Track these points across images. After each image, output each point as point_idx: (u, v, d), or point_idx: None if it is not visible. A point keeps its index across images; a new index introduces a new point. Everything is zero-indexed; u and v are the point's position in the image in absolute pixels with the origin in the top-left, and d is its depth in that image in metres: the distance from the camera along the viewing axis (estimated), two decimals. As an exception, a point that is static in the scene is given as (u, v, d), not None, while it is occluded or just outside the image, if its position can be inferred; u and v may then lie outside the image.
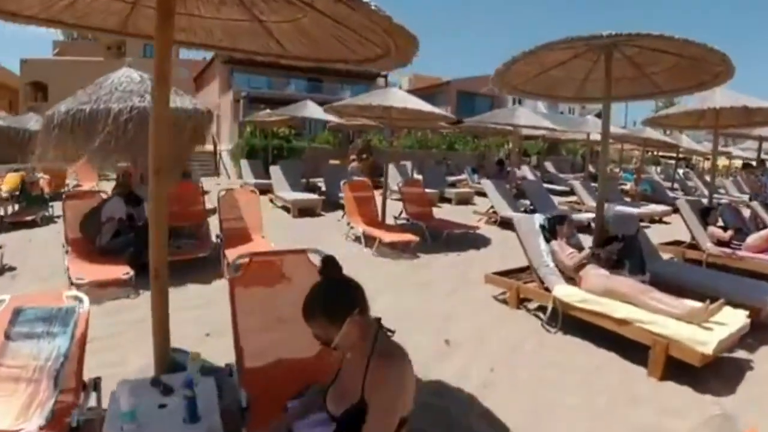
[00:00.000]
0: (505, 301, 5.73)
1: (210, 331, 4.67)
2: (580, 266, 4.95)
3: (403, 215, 9.82)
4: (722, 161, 37.68)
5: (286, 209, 11.87)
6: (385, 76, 37.52)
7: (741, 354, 4.56)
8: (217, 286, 6.27)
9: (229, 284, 3.33)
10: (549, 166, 23.98)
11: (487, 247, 8.95)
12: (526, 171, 19.63)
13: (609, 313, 4.41)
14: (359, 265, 7.47)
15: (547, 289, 5.07)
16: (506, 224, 10.69)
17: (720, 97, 7.55)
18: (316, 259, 3.67)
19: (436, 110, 8.73)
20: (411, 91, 38.76)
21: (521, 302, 5.56)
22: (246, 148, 20.78)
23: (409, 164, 16.48)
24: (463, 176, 18.50)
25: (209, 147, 26.61)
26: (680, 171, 25.89)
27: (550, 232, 5.46)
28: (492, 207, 11.31)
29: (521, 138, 30.08)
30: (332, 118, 13.84)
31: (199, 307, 5.42)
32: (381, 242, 7.87)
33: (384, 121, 9.64)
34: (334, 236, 9.38)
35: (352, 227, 8.97)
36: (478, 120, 11.70)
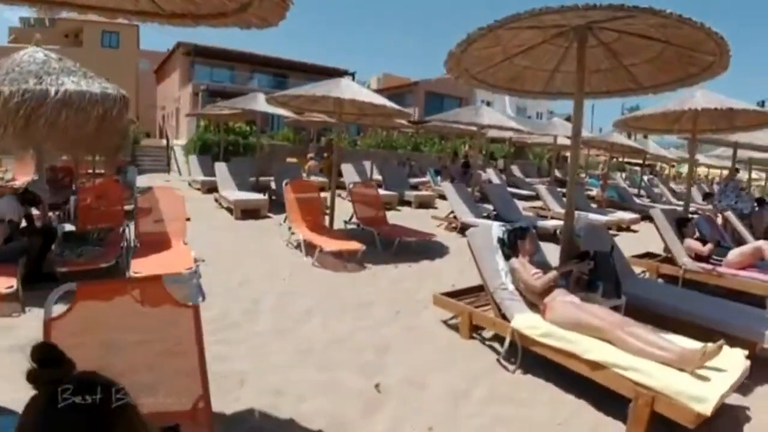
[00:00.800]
0: (456, 328, 4.80)
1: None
2: (546, 290, 4.04)
3: (354, 220, 8.84)
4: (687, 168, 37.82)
5: (230, 210, 10.79)
6: (353, 74, 36.50)
7: (734, 399, 3.70)
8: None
9: (44, 328, 2.30)
10: (515, 170, 23.31)
11: (443, 258, 8.03)
12: (491, 174, 18.84)
13: (579, 353, 3.50)
14: (295, 277, 6.49)
15: (505, 317, 4.15)
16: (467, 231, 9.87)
17: (701, 98, 6.78)
18: (180, 291, 2.73)
19: (389, 103, 7.77)
20: (378, 91, 37.86)
21: (474, 330, 4.62)
22: (198, 144, 19.56)
23: (368, 164, 15.50)
24: (426, 178, 17.64)
25: (162, 142, 25.39)
26: (645, 178, 25.55)
27: (510, 247, 4.53)
28: (452, 212, 10.42)
29: (486, 139, 29.67)
30: (284, 113, 12.80)
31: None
32: (322, 251, 6.87)
33: (334, 116, 8.67)
34: (273, 242, 8.35)
35: (293, 233, 7.95)
36: (441, 118, 10.80)
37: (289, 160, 17.81)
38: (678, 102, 7.02)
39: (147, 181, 17.55)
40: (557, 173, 25.71)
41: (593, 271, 4.45)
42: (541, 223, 10.16)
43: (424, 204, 13.45)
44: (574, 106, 4.84)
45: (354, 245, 7.05)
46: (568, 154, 32.93)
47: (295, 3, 2.65)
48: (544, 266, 4.53)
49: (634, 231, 12.88)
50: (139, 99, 40.90)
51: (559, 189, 14.21)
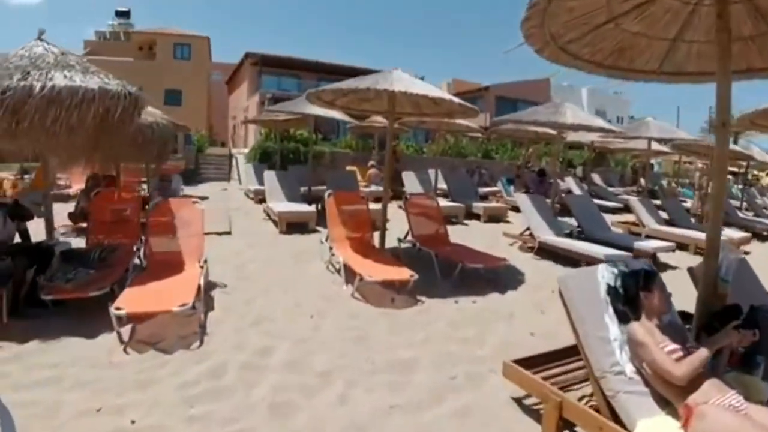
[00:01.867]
0: (535, 412, 3.21)
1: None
2: (691, 381, 2.40)
3: (410, 237, 7.37)
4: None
5: (276, 223, 9.60)
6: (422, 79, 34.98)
7: None
8: (99, 348, 4.15)
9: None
10: (596, 178, 21.03)
11: (518, 290, 6.38)
12: (571, 183, 16.83)
13: None
14: (325, 315, 5.09)
15: (619, 419, 2.54)
16: (547, 252, 8.19)
17: None
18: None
19: (448, 97, 6.21)
20: None
21: (564, 427, 3.01)
22: (259, 152, 18.73)
23: (432, 172, 13.97)
24: (496, 188, 15.91)
25: (227, 150, 24.98)
26: (740, 188, 22.55)
27: (628, 302, 2.87)
28: (528, 228, 8.73)
29: (566, 143, 27.42)
30: (338, 115, 11.50)
31: (46, 384, 3.43)
32: (362, 279, 5.43)
33: (388, 116, 7.25)
34: (312, 263, 7.01)
35: (333, 253, 6.57)
36: (515, 118, 9.11)
37: (349, 168, 16.56)
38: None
39: (206, 190, 16.94)
40: (642, 181, 23.27)
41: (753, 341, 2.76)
42: (638, 243, 8.29)
43: (495, 217, 11.77)
44: (717, 92, 3.18)
45: (403, 274, 5.58)
46: (655, 160, 30.19)
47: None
48: (681, 335, 2.85)
49: (746, 252, 10.67)
50: (212, 109, 41.40)
51: (653, 201, 12.17)
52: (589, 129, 9.59)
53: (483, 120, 27.80)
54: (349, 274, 5.90)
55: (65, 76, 5.12)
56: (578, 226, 9.35)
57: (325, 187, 11.56)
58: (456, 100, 6.16)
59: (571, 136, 16.37)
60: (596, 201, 15.28)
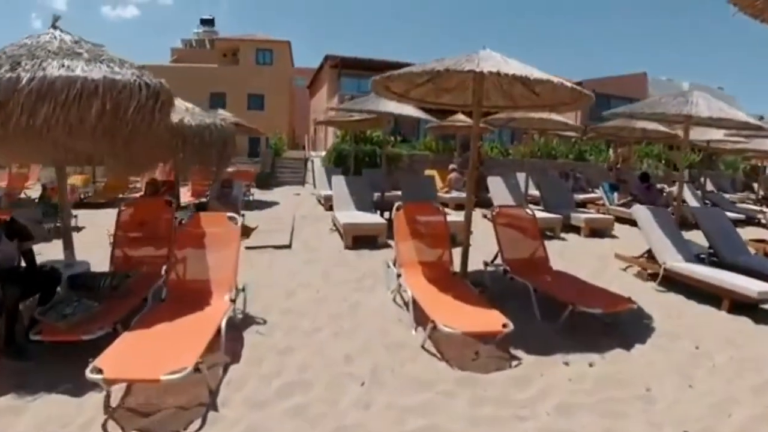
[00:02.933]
0: None
1: None
2: None
3: (499, 261, 5.82)
4: None
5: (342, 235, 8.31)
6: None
7: None
8: (80, 413, 3.24)
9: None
10: (708, 183, 18.23)
11: (648, 343, 4.63)
12: (685, 191, 14.47)
13: None
14: (381, 378, 3.67)
15: None
16: (674, 282, 6.37)
17: None
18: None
19: (554, 78, 4.53)
20: None
21: None
22: (334, 155, 17.65)
23: (522, 176, 12.22)
24: (596, 194, 13.87)
25: (306, 153, 24.18)
26: None
27: None
28: (649, 251, 6.90)
29: (662, 145, 24.35)
30: (415, 112, 10.05)
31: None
32: (436, 328, 3.95)
33: (472, 110, 5.73)
34: (375, 292, 5.63)
35: (401, 283, 5.13)
36: (630, 110, 7.22)
37: (428, 172, 15.09)
38: None
39: (279, 194, 16.05)
40: (756, 187, 20.16)
41: None
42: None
43: (598, 231, 9.87)
44: None
45: (492, 322, 4.03)
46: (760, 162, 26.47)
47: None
48: None
49: None
50: (295, 113, 41.19)
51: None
52: (728, 125, 7.58)
53: (574, 119, 25.43)
54: (420, 314, 4.45)
55: (63, 66, 4.04)
56: (710, 248, 7.40)
57: (400, 193, 10.21)
58: (567, 83, 4.53)
59: (695, 134, 14.09)
60: (716, 211, 12.99)
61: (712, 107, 6.62)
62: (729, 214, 12.76)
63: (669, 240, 6.76)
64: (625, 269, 7.29)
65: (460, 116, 15.29)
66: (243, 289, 4.76)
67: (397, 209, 5.60)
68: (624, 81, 34.36)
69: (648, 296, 6.14)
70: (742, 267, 6.76)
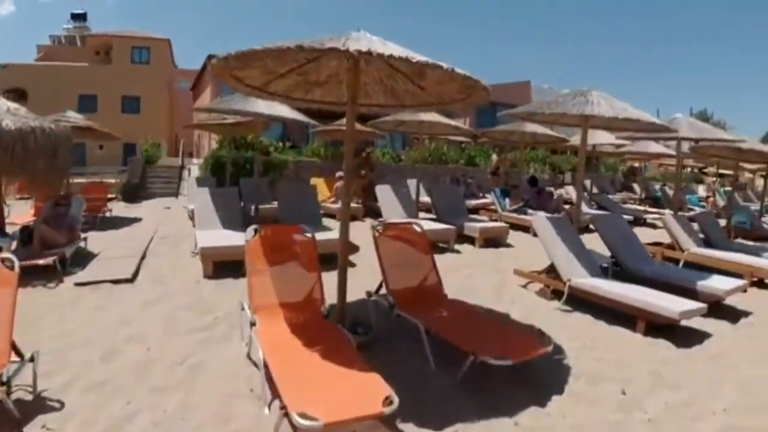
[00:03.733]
0: None
1: None
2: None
3: (384, 291, 4.72)
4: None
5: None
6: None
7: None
8: None
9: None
10: (588, 185, 18.49)
11: (566, 391, 3.72)
12: (572, 193, 14.37)
13: None
14: None
15: None
16: (580, 301, 5.65)
17: None
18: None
19: (443, 64, 3.43)
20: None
21: None
22: (210, 162, 15.89)
23: (413, 183, 11.34)
24: (487, 199, 13.31)
25: (178, 161, 21.96)
26: (723, 190, 20.42)
27: None
28: (552, 267, 6.13)
29: (543, 149, 24.85)
30: (297, 116, 8.82)
31: None
32: (286, 414, 2.73)
33: (347, 107, 4.60)
34: (230, 345, 4.30)
35: (254, 334, 3.86)
36: (526, 112, 6.41)
37: (313, 180, 13.86)
38: None
39: (146, 209, 13.93)
40: (636, 188, 20.94)
41: None
42: (703, 284, 5.81)
43: (493, 241, 9.15)
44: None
45: (370, 402, 2.84)
46: (642, 164, 27.88)
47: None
48: None
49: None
50: (177, 118, 38.27)
51: (681, 213, 9.68)
52: (629, 127, 7.00)
53: (463, 124, 25.25)
54: (272, 385, 3.21)
55: None
56: (612, 257, 6.82)
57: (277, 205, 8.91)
58: (460, 70, 3.49)
59: (573, 140, 13.96)
60: (596, 212, 12.87)
61: (615, 107, 5.96)
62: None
63: (572, 253, 6.04)
64: (525, 286, 6.49)
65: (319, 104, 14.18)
66: (31, 359, 3.29)
67: (255, 232, 4.33)
68: (509, 89, 35.09)
69: (554, 319, 5.36)
70: (648, 277, 6.22)
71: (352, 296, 4.88)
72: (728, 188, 22.13)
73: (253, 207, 9.07)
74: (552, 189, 15.08)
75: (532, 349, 3.60)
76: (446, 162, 20.89)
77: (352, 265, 6.91)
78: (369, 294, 4.86)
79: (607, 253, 6.91)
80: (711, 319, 5.35)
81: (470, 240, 9.11)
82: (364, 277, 5.35)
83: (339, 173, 12.86)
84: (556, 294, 5.89)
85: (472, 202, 13.41)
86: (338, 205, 11.56)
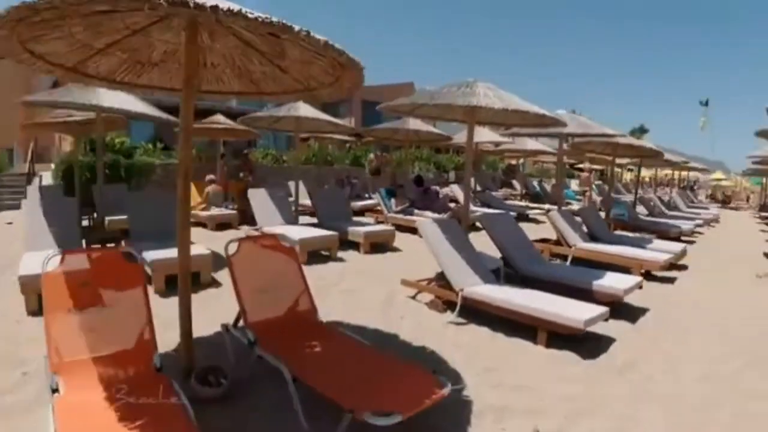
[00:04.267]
0: None
1: None
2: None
3: (243, 324, 3.75)
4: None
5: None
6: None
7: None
8: None
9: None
10: (475, 184, 18.55)
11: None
12: (457, 192, 14.12)
13: None
14: None
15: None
16: (474, 311, 5.04)
17: None
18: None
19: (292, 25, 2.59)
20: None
21: None
22: (62, 167, 13.82)
23: (291, 185, 10.39)
24: (373, 200, 12.65)
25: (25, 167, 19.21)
26: (597, 184, 21.64)
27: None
28: (442, 275, 5.47)
29: (433, 146, 24.88)
30: (148, 111, 7.54)
31: None
32: None
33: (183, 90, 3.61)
34: (25, 428, 3.13)
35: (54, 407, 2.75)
36: (410, 104, 5.71)
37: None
38: None
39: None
40: (516, 185, 21.44)
41: None
42: (600, 283, 5.45)
43: (380, 246, 8.43)
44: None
45: None
46: (520, 161, 28.86)
47: None
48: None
49: (683, 267, 8.39)
50: (39, 118, 33.95)
51: (563, 208, 9.55)
52: (515, 122, 6.53)
53: (350, 125, 24.55)
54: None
55: None
56: (502, 258, 6.33)
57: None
58: (318, 36, 2.61)
59: (457, 138, 13.71)
60: (488, 210, 12.68)
61: (504, 98, 5.41)
62: (498, 211, 12.59)
63: (463, 259, 5.42)
64: (414, 296, 5.80)
65: (220, 117, 12.90)
66: None
67: (61, 261, 3.18)
68: (393, 90, 34.94)
69: (449, 336, 4.70)
70: (541, 279, 5.79)
71: (209, 328, 3.90)
72: (599, 182, 23.45)
73: (91, 218, 7.62)
74: (438, 188, 14.78)
75: (427, 394, 2.82)
76: (332, 162, 20.07)
77: (217, 284, 5.87)
78: (225, 327, 3.88)
79: (496, 253, 6.44)
80: (611, 320, 4.94)
81: (356, 246, 8.33)
82: (231, 301, 4.34)
83: (209, 177, 11.57)
84: (450, 305, 5.25)
85: (358, 204, 12.71)
86: (210, 212, 10.33)
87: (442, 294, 5.33)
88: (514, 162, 25.90)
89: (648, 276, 7.24)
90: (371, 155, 17.80)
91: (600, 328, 4.78)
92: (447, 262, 5.27)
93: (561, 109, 8.57)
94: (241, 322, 3.74)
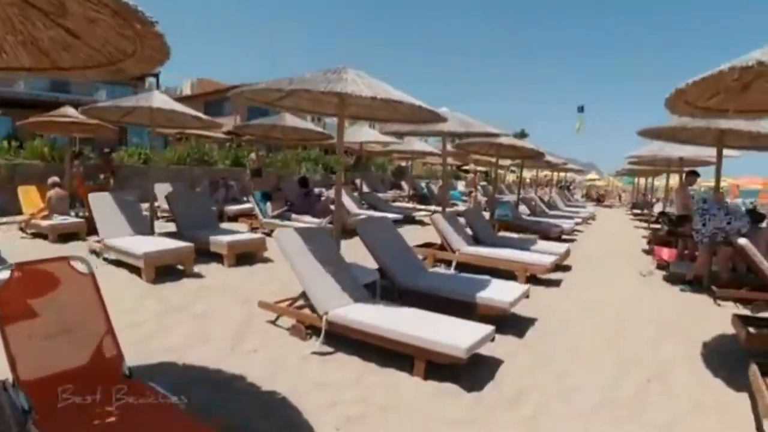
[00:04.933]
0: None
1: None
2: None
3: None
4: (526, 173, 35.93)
5: None
6: (157, 76, 28.88)
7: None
8: None
9: None
10: (363, 184, 17.77)
11: None
12: (343, 194, 13.29)
13: None
14: None
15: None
16: (343, 338, 4.21)
17: None
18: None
19: None
20: (193, 97, 30.42)
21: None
22: None
23: (160, 188, 9.04)
24: (250, 204, 11.49)
25: None
26: (482, 185, 21.99)
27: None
28: (302, 296, 4.58)
29: (322, 146, 23.98)
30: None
31: None
32: None
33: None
34: None
35: None
36: (271, 87, 4.70)
37: (23, 189, 10.48)
38: None
39: None
40: (404, 185, 21.14)
41: None
42: (485, 297, 4.84)
43: (248, 256, 7.37)
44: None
45: None
46: (409, 162, 28.73)
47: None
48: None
49: (566, 268, 8.19)
50: None
51: (445, 209, 9.05)
52: (384, 116, 5.79)
53: (235, 123, 22.95)
54: None
55: None
56: (379, 269, 5.57)
57: None
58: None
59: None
60: (373, 213, 12.02)
61: (374, 86, 4.62)
62: (388, 215, 11.95)
63: (330, 276, 4.57)
64: (275, 321, 4.86)
65: (69, 109, 11.11)
66: None
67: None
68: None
69: (310, 372, 3.86)
70: (422, 292, 5.11)
71: None
72: (484, 183, 23.76)
73: None
74: (323, 190, 13.87)
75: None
76: (209, 163, 18.46)
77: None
78: (2, 385, 2.74)
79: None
80: (498, 335, 4.31)
81: (219, 258, 7.22)
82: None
83: (52, 179, 9.82)
84: (316, 330, 4.37)
85: (233, 209, 11.51)
86: (52, 222, 8.70)
87: (305, 318, 4.44)
88: (403, 164, 25.66)
89: (534, 280, 6.88)
90: (252, 155, 16.46)
91: (486, 349, 4.14)
92: (309, 280, 4.39)
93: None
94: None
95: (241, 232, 8.27)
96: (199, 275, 6.54)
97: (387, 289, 5.35)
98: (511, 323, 4.99)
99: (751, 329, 4.38)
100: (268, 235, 7.98)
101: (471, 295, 4.87)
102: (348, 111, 5.48)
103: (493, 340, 4.10)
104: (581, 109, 40.33)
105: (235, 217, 11.00)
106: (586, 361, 4.33)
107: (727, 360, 4.40)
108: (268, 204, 9.86)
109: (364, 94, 4.31)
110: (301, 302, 4.70)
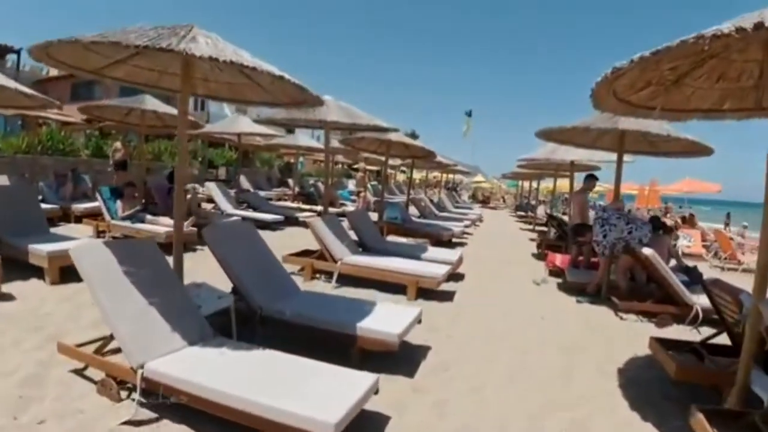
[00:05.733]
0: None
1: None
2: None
3: None
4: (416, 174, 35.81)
5: None
6: (18, 52, 24.40)
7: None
8: None
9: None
10: (244, 181, 16.10)
11: None
12: (215, 192, 11.73)
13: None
14: None
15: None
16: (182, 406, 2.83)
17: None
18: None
19: None
20: (60, 78, 26.29)
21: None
22: None
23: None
24: (96, 203, 9.54)
25: None
26: (372, 184, 21.28)
27: None
28: (112, 338, 3.23)
29: (204, 139, 21.82)
30: None
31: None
32: None
33: None
34: None
35: None
36: (96, 39, 3.44)
37: None
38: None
39: None
40: (290, 182, 19.71)
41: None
42: (390, 326, 3.79)
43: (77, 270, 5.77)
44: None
45: None
46: (299, 159, 27.32)
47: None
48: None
49: (461, 277, 7.45)
50: None
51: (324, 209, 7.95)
52: (249, 98, 4.53)
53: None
54: None
55: None
56: (234, 291, 4.32)
57: None
58: None
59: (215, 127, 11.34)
60: (251, 214, 10.69)
61: (221, 48, 3.36)
62: (267, 216, 10.62)
63: (154, 307, 3.28)
64: (82, 371, 3.46)
65: None
66: None
67: None
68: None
69: None
70: (290, 322, 3.99)
71: None
72: (374, 182, 22.95)
73: None
74: (196, 186, 12.22)
75: None
76: (66, 152, 15.87)
77: None
78: None
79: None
80: (382, 375, 3.27)
81: (38, 272, 5.57)
82: None
83: None
84: (134, 389, 3.06)
85: (81, 207, 9.58)
86: None
87: (116, 371, 3.11)
88: (293, 160, 24.19)
89: (426, 293, 5.99)
90: (117, 144, 14.20)
91: (370, 403, 3.07)
92: (117, 316, 3.07)
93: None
94: None
95: (75, 239, 6.55)
96: (8, 297, 4.89)
97: (247, 316, 4.14)
98: (399, 357, 3.98)
99: (671, 353, 3.77)
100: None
101: (351, 326, 3.79)
102: (198, 87, 4.17)
103: (376, 392, 3.05)
104: (469, 114, 41.78)
105: (79, 218, 9.15)
106: (492, 411, 3.41)
107: (651, 396, 3.71)
108: (118, 202, 8.14)
109: (207, 55, 3.06)
110: (116, 344, 3.35)
